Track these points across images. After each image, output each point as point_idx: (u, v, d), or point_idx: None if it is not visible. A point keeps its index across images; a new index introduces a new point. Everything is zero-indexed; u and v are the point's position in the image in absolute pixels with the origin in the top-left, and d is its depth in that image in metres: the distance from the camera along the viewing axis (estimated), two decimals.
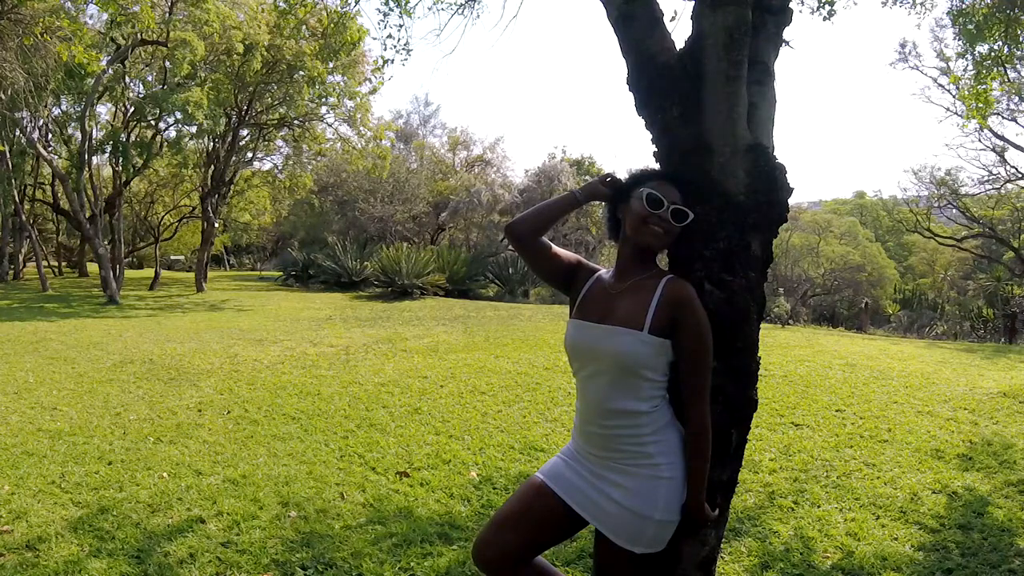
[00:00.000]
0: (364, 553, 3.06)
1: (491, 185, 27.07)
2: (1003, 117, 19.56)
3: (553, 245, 1.95)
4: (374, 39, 16.57)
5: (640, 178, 1.87)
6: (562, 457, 1.92)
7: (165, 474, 4.01)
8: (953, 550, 3.17)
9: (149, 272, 24.96)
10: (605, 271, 1.92)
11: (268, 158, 23.49)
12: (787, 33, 2.17)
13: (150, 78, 18.62)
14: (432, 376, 6.94)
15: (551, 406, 5.73)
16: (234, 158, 19.81)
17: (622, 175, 1.97)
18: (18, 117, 16.50)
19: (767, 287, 2.09)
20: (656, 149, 2.11)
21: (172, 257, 33.87)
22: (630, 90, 2.13)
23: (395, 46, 5.94)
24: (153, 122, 18.09)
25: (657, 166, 2.08)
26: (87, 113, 16.22)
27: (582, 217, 25.52)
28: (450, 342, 9.39)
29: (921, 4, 6.52)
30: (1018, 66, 15.35)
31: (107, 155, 18.39)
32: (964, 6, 6.71)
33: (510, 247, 27.82)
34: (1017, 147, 20.66)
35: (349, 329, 10.90)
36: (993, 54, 6.93)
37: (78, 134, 18.06)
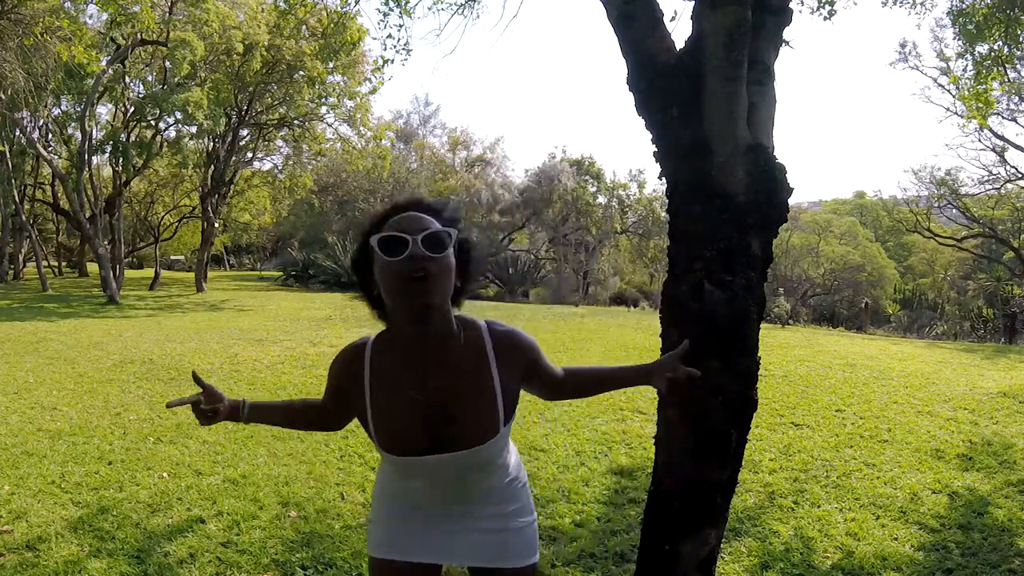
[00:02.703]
0: (364, 553, 3.05)
1: (491, 185, 27.08)
2: (1003, 117, 19.58)
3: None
4: (374, 39, 16.56)
5: (374, 222, 1.37)
6: (392, 526, 1.50)
7: (165, 474, 4.00)
8: (953, 550, 3.17)
9: (149, 272, 24.96)
10: (374, 351, 1.41)
11: (268, 158, 23.52)
12: (787, 33, 2.17)
13: (150, 78, 18.62)
14: None
15: (551, 406, 5.72)
16: (234, 158, 19.81)
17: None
18: (18, 117, 16.51)
19: (767, 287, 2.09)
20: (656, 149, 2.11)
21: (172, 257, 33.87)
22: (630, 90, 2.13)
23: (395, 46, 5.94)
24: (153, 122, 18.08)
25: (657, 166, 2.08)
26: (87, 113, 16.21)
27: (582, 217, 25.52)
28: None
29: (921, 4, 6.52)
30: (1018, 66, 15.35)
31: (107, 155, 18.38)
32: (964, 6, 6.72)
33: (511, 247, 27.94)
34: (1017, 147, 20.68)
35: (349, 329, 10.90)
36: (993, 54, 6.94)
37: (78, 134, 18.04)
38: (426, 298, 1.27)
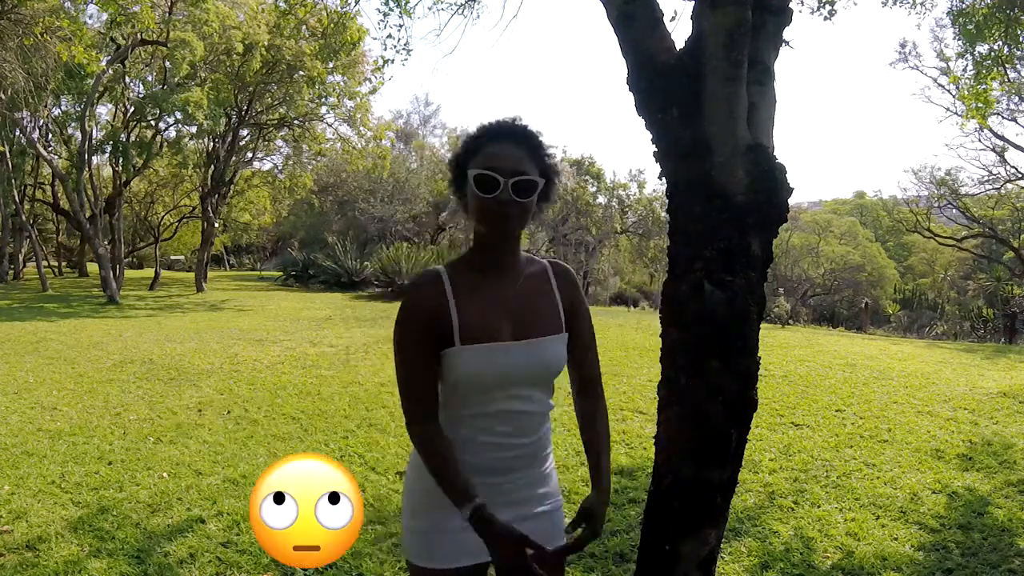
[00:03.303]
0: (364, 553, 3.05)
1: None
2: (1003, 117, 19.56)
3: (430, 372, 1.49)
4: (374, 39, 16.57)
5: (478, 143, 1.46)
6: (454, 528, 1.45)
7: (165, 474, 4.00)
8: (953, 550, 3.17)
9: (149, 272, 24.96)
10: (450, 272, 1.50)
11: (268, 158, 23.51)
12: (787, 33, 2.17)
13: (150, 78, 18.62)
14: None
15: None
16: (234, 158, 19.81)
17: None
18: (18, 117, 16.51)
19: (767, 287, 2.09)
20: (656, 149, 2.11)
21: (172, 257, 33.86)
22: (630, 90, 2.13)
23: (395, 46, 5.95)
24: (153, 122, 18.07)
25: (657, 166, 2.08)
26: (87, 113, 16.21)
27: (582, 217, 25.52)
28: None
29: (921, 4, 6.53)
30: (1018, 66, 15.36)
31: (107, 155, 18.38)
32: (964, 6, 6.72)
33: None
34: (1017, 147, 20.67)
35: (349, 329, 10.90)
36: (993, 54, 6.94)
37: (78, 134, 18.04)
38: (506, 230, 1.45)
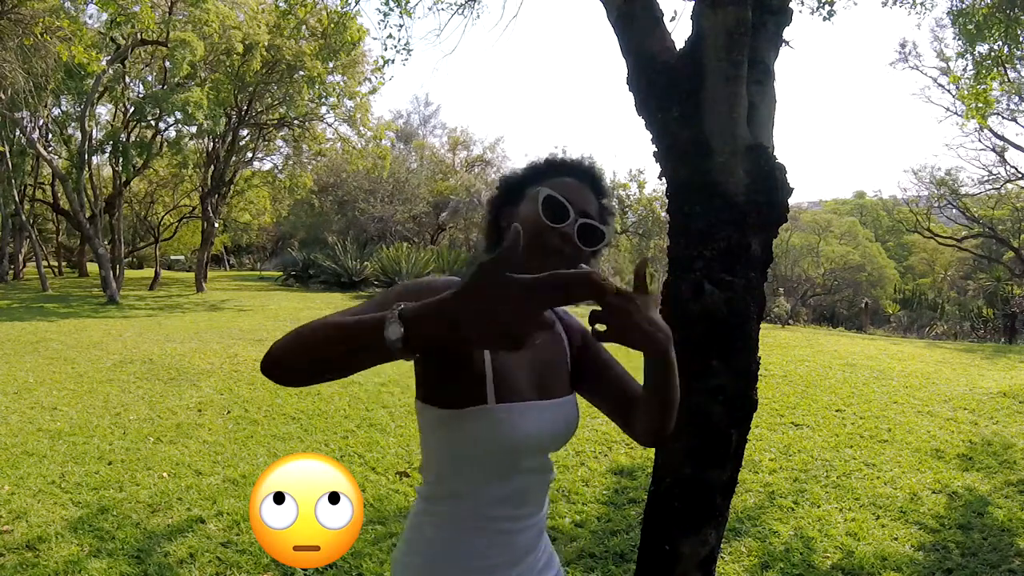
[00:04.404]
0: (364, 553, 3.05)
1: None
2: (1003, 117, 19.56)
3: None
4: (374, 39, 16.63)
5: (541, 170, 1.26)
6: None
7: (165, 474, 4.00)
8: (953, 550, 3.17)
9: (149, 272, 24.96)
10: None
11: (268, 158, 23.51)
12: (787, 33, 2.17)
13: (150, 78, 18.62)
14: None
15: None
16: (234, 158, 19.81)
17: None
18: (18, 117, 16.50)
19: (767, 287, 2.09)
20: (656, 149, 2.11)
21: (172, 257, 33.87)
22: (630, 90, 2.13)
23: (395, 46, 5.95)
24: (153, 122, 18.08)
25: (657, 166, 2.08)
26: (87, 113, 16.21)
27: None
28: None
29: (921, 4, 6.52)
30: (1018, 66, 15.33)
31: (107, 155, 18.38)
32: (964, 6, 6.72)
33: None
34: (1017, 147, 20.67)
35: None
36: (993, 54, 6.94)
37: (78, 134, 18.06)
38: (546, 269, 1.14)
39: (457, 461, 1.17)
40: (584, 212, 1.19)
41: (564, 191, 1.19)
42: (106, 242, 18.37)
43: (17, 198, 19.88)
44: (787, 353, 8.54)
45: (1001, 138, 20.92)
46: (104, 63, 13.96)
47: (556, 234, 1.16)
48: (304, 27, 14.56)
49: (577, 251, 1.18)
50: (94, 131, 17.78)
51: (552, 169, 1.25)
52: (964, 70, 7.95)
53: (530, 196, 1.20)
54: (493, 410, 1.13)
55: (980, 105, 7.00)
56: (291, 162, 22.29)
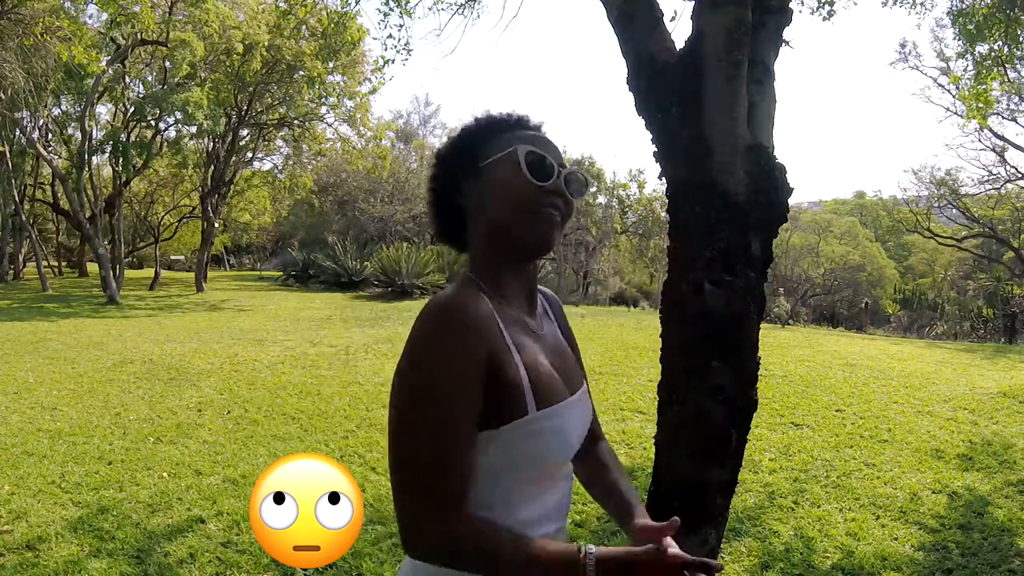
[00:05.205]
0: (364, 553, 3.05)
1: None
2: (1003, 117, 19.57)
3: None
4: (374, 39, 16.66)
5: (485, 133, 1.13)
6: None
7: (165, 474, 4.00)
8: (953, 550, 3.17)
9: (149, 272, 24.96)
10: (489, 298, 1.05)
11: (268, 158, 23.53)
12: (787, 33, 2.17)
13: (150, 78, 18.63)
14: None
15: None
16: (234, 158, 19.82)
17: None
18: (18, 117, 16.51)
19: (767, 287, 2.08)
20: (656, 149, 2.11)
21: (172, 257, 33.85)
22: (630, 90, 2.13)
23: (395, 46, 5.96)
24: (153, 122, 18.08)
25: (657, 166, 2.07)
26: (87, 113, 16.22)
27: (582, 217, 25.52)
28: None
29: (921, 4, 6.53)
30: (1018, 66, 15.33)
31: (107, 155, 18.38)
32: (964, 6, 6.72)
33: None
34: (1017, 147, 20.68)
35: (349, 329, 10.89)
36: (993, 54, 6.95)
37: (78, 134, 18.06)
38: (552, 236, 1.09)
39: (494, 479, 1.02)
40: (560, 162, 1.11)
41: (535, 145, 1.09)
42: (106, 242, 18.36)
43: (17, 198, 19.88)
44: (787, 353, 8.55)
45: (1001, 138, 20.94)
46: (104, 63, 13.96)
47: (545, 192, 1.06)
48: (304, 27, 14.57)
49: (568, 204, 1.10)
50: (94, 131, 17.78)
51: (497, 128, 1.13)
52: (964, 70, 7.97)
53: (501, 159, 1.08)
54: (533, 422, 1.01)
55: (980, 105, 7.00)
56: (291, 162, 22.30)
